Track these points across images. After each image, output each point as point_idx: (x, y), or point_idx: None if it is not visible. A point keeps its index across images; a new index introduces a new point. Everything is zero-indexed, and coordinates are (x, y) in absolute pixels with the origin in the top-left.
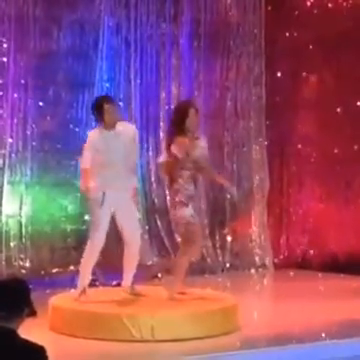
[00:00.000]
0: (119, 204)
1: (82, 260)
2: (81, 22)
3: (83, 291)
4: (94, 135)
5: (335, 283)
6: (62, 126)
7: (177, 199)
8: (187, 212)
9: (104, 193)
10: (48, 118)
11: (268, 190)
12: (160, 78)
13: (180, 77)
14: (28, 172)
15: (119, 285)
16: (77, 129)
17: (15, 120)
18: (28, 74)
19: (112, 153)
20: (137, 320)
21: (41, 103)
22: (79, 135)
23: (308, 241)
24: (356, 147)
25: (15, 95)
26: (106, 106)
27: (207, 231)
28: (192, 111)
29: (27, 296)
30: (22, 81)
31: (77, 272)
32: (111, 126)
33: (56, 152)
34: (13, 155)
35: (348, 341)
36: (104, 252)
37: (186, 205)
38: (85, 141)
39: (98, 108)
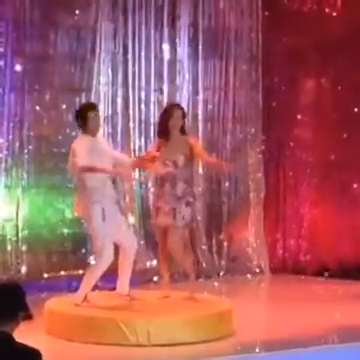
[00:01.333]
0: (109, 216)
1: (90, 272)
2: (78, 26)
3: (84, 298)
4: (83, 143)
5: (331, 288)
6: (58, 130)
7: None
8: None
9: (103, 208)
10: (45, 122)
11: (264, 195)
12: (157, 83)
13: (177, 82)
14: (24, 176)
15: (115, 289)
16: (73, 133)
17: (11, 124)
18: (25, 78)
19: (101, 162)
20: (133, 325)
21: (38, 107)
22: (75, 139)
23: (304, 246)
24: (352, 152)
25: (12, 99)
26: (90, 113)
27: (203, 236)
28: (177, 113)
29: (22, 300)
30: (19, 85)
31: (74, 276)
32: (94, 134)
33: (53, 156)
34: (9, 159)
35: (344, 346)
36: None
37: (160, 212)
38: None
39: (82, 115)
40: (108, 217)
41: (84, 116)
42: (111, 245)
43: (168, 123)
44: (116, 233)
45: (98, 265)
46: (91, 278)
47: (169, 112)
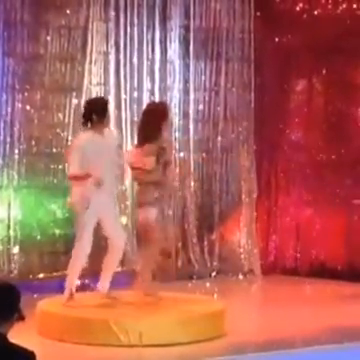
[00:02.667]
0: (105, 210)
1: (69, 266)
2: (69, 26)
3: (70, 296)
4: (85, 137)
5: (323, 289)
6: (49, 130)
7: (142, 200)
8: (151, 215)
9: (88, 197)
10: (35, 122)
11: (256, 195)
12: (149, 83)
13: (169, 82)
14: (15, 176)
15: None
16: (64, 133)
17: (2, 124)
18: (15, 78)
19: (101, 157)
20: (125, 325)
21: (28, 107)
22: (66, 139)
23: (296, 247)
24: (344, 152)
25: (2, 99)
26: (107, 108)
27: (195, 237)
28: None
29: (17, 301)
30: (9, 85)
31: (65, 277)
32: (107, 127)
33: (44, 156)
34: (0, 159)
35: (336, 347)
36: (91, 258)
37: (153, 206)
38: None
39: (100, 110)
40: (96, 207)
41: (104, 110)
42: (91, 232)
43: (162, 124)
44: (105, 226)
45: (77, 251)
46: (74, 265)
47: (164, 112)
